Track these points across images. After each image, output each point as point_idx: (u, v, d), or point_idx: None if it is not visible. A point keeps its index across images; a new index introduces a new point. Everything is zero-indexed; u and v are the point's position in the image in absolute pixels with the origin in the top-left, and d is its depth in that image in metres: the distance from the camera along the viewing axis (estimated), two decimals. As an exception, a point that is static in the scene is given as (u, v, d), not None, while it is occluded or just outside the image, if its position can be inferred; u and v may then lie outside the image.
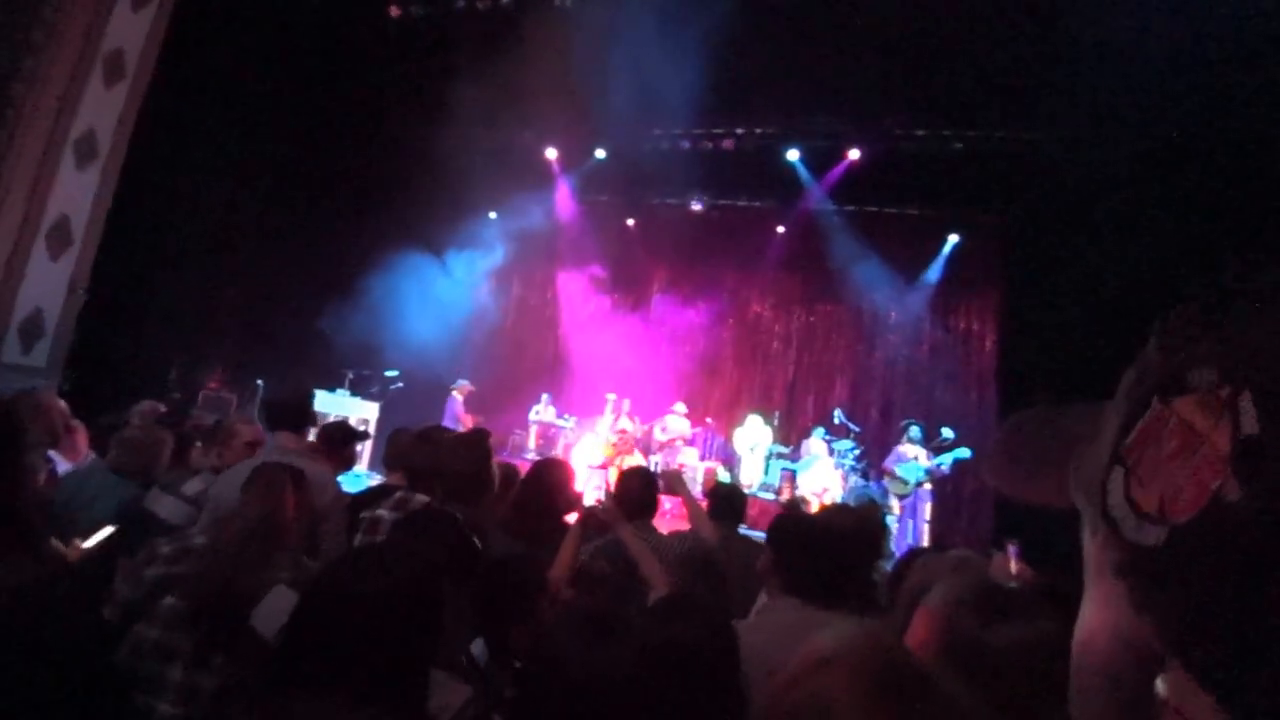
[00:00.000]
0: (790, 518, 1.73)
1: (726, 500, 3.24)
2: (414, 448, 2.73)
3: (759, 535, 5.11)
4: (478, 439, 2.45)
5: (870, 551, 1.80)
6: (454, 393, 8.81)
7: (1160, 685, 0.24)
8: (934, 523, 7.43)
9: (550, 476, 2.60)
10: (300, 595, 1.15)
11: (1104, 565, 0.28)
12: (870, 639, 0.57)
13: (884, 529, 1.97)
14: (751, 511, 5.63)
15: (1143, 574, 0.25)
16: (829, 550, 1.54)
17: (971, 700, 0.63)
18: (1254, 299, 0.25)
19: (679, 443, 8.96)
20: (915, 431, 7.43)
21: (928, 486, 7.24)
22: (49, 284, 5.15)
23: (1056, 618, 0.73)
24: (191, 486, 2.63)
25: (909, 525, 7.03)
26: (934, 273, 9.85)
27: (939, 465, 7.19)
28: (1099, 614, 0.29)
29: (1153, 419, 0.26)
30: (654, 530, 2.68)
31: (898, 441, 7.63)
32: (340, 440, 2.92)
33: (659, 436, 8.95)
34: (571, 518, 2.46)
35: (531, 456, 8.21)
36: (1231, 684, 0.22)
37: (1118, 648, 0.27)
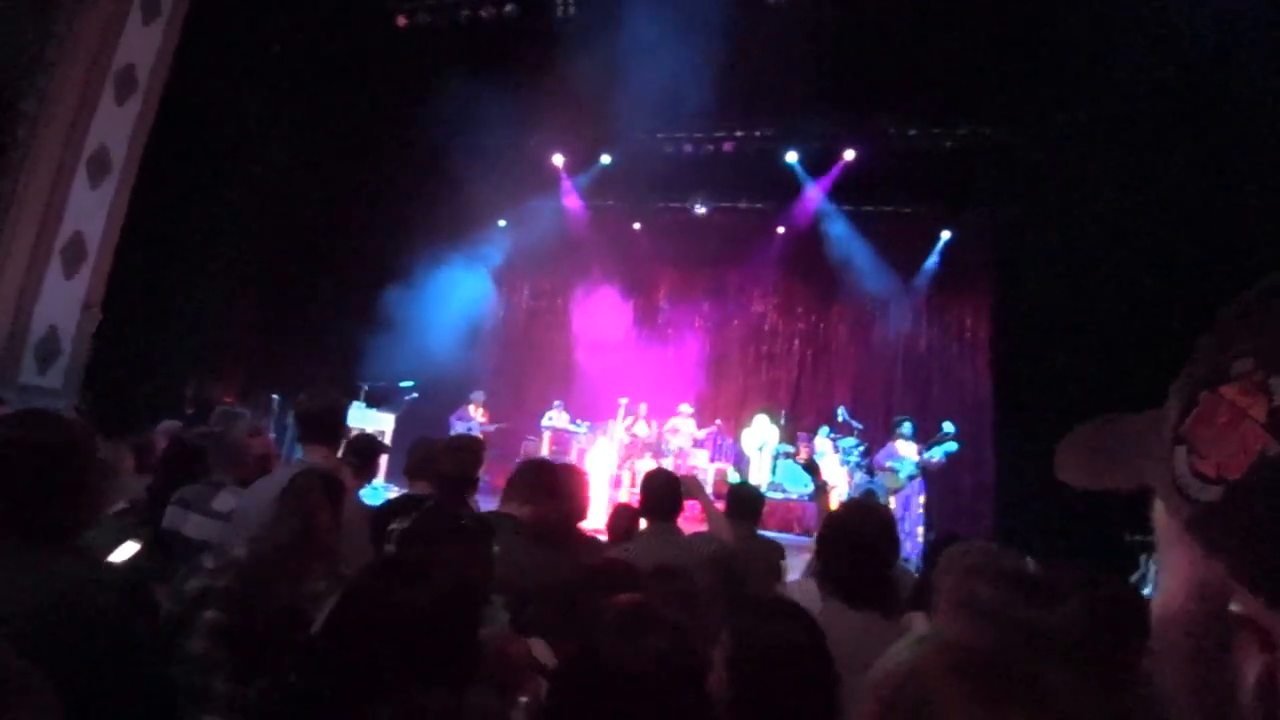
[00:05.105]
0: (835, 526, 1.77)
1: (743, 501, 3.24)
2: (444, 456, 2.68)
3: (771, 535, 5.16)
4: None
5: (895, 549, 1.87)
6: (469, 406, 8.83)
7: (1234, 605, 0.32)
8: (930, 515, 7.48)
9: (568, 483, 2.46)
10: (337, 602, 1.15)
11: (1176, 529, 0.35)
12: (957, 643, 0.59)
13: (894, 522, 2.05)
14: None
15: (1209, 523, 0.33)
16: (868, 554, 1.61)
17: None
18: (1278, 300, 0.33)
19: (689, 444, 9.02)
20: (906, 428, 7.43)
21: (920, 480, 7.28)
22: (64, 302, 5.11)
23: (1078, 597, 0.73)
24: (223, 502, 2.57)
25: (905, 518, 7.13)
26: (928, 269, 9.97)
27: (930, 458, 7.24)
28: (1176, 576, 0.36)
29: (1205, 404, 0.34)
30: (679, 531, 2.72)
31: (892, 438, 7.70)
32: (369, 453, 2.96)
33: (670, 439, 8.96)
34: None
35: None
36: None
37: (1195, 602, 0.35)
